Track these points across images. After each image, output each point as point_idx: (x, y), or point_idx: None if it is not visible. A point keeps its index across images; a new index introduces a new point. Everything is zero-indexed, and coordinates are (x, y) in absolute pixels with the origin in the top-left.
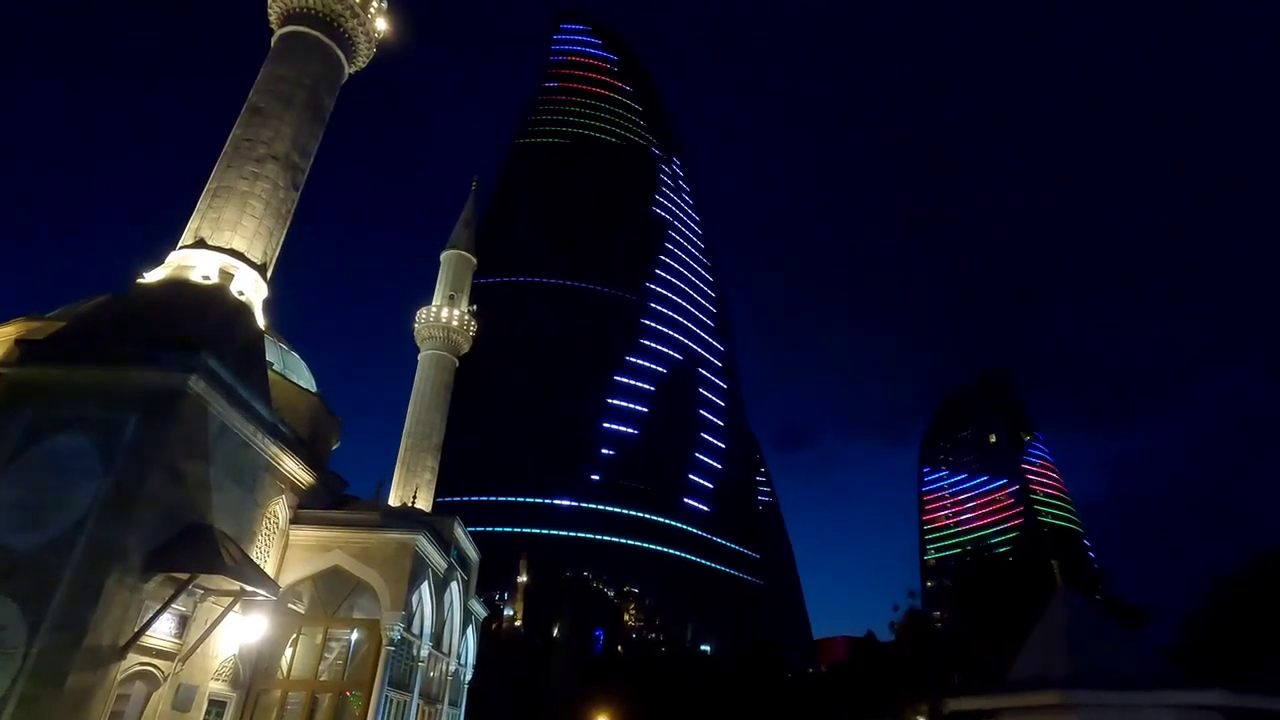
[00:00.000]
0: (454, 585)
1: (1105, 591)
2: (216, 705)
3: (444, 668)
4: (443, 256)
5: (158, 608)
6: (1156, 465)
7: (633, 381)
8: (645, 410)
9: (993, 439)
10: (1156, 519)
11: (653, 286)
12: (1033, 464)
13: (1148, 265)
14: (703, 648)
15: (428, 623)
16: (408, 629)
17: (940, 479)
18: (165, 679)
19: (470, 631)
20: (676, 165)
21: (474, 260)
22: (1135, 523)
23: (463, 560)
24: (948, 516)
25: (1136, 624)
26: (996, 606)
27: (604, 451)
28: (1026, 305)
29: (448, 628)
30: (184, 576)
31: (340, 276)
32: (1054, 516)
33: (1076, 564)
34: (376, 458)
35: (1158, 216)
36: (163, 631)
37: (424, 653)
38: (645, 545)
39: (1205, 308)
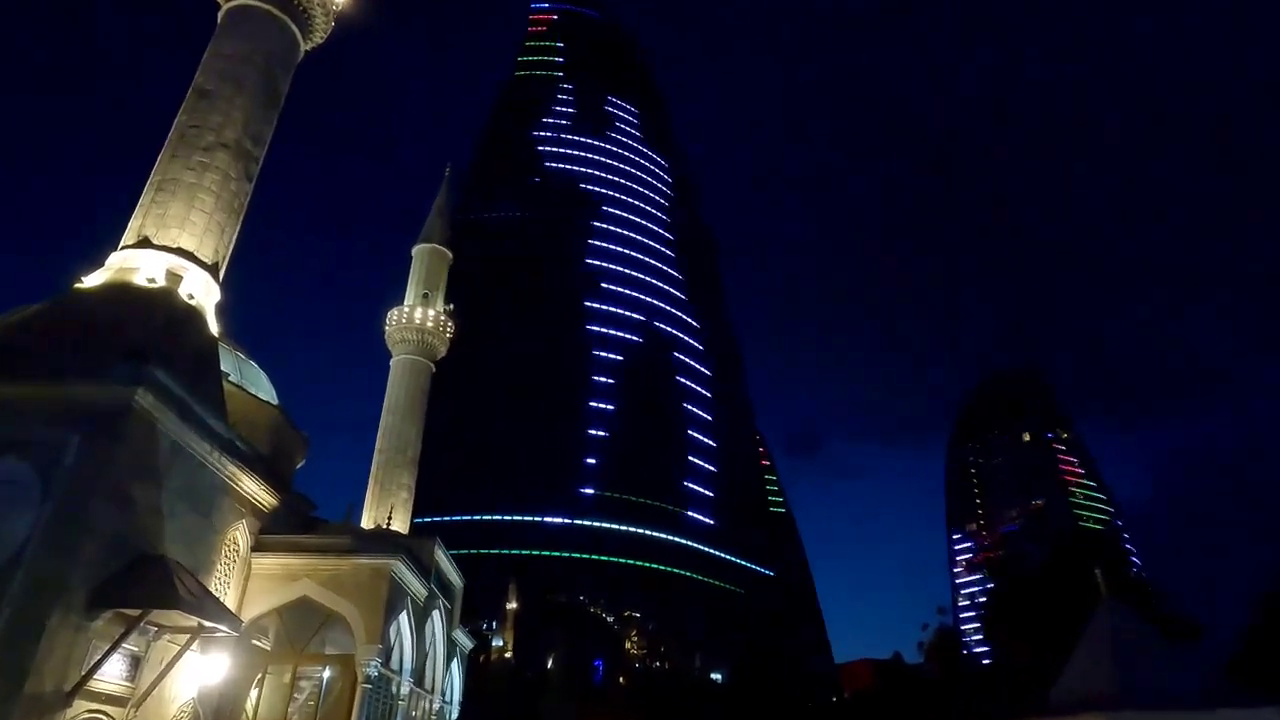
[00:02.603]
0: (436, 614)
1: (1153, 602)
2: None
3: (427, 706)
4: (415, 251)
5: (106, 648)
6: (1206, 463)
7: (600, 378)
8: (613, 408)
9: (1026, 438)
10: (1208, 521)
11: (597, 263)
12: (1069, 463)
13: (1187, 248)
14: (713, 676)
15: (407, 657)
16: (385, 664)
17: (969, 483)
18: None
19: (455, 665)
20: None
21: (449, 254)
22: (1184, 526)
23: (445, 587)
24: (978, 524)
25: (1189, 637)
26: (1035, 620)
27: (589, 461)
28: (1057, 295)
29: (430, 661)
30: (135, 613)
31: (303, 276)
32: (1094, 520)
33: (1121, 572)
34: (347, 476)
35: (1195, 196)
36: (113, 674)
37: (404, 690)
38: (646, 564)
39: (1252, 292)
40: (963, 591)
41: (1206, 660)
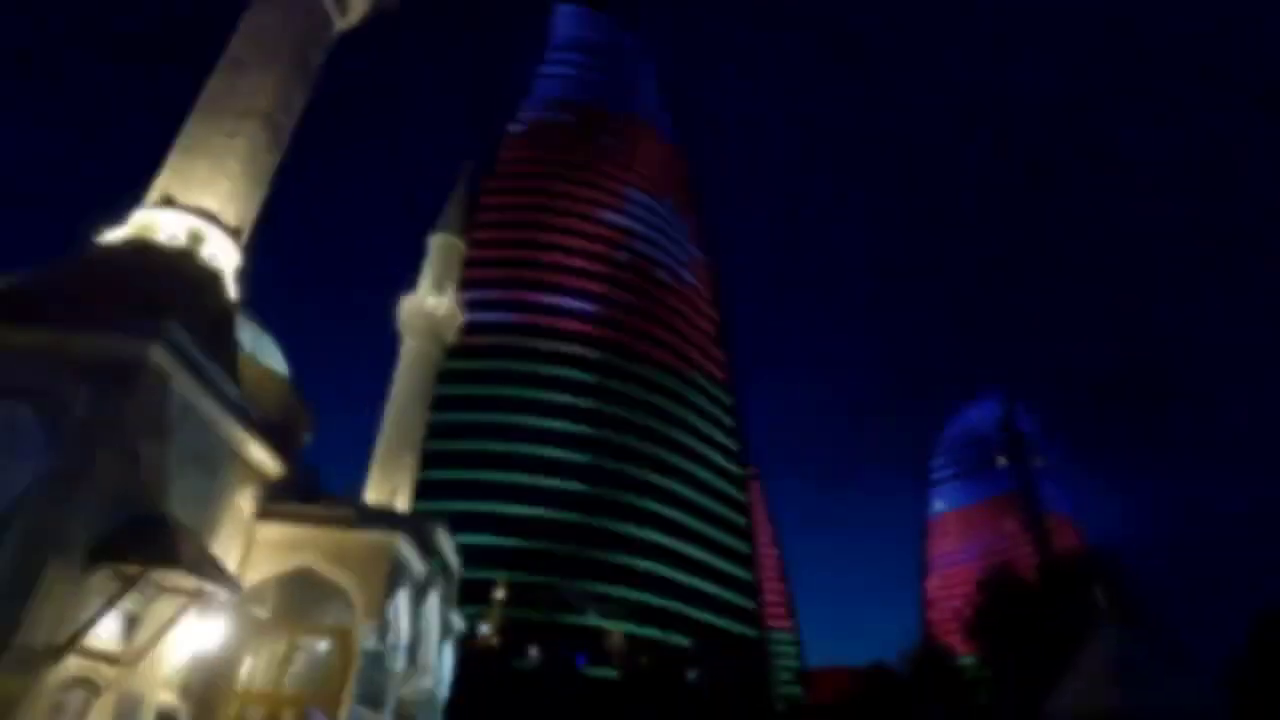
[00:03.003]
0: (434, 595)
1: (1143, 626)
2: (165, 717)
3: (419, 684)
4: (431, 240)
5: (102, 605)
6: (1180, 518)
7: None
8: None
9: (1001, 462)
10: (1190, 556)
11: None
12: (1045, 492)
13: (1166, 266)
14: (689, 674)
15: (404, 634)
16: (382, 639)
17: (944, 506)
18: (107, 686)
19: (449, 646)
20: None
21: (464, 245)
22: (1162, 559)
23: (443, 568)
24: (951, 545)
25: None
26: (1019, 637)
27: (566, 457)
28: (1036, 321)
29: (425, 641)
30: (134, 570)
31: (320, 254)
32: (1066, 548)
33: (1115, 593)
34: (352, 454)
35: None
36: (107, 632)
37: (399, 666)
38: (629, 561)
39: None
40: (940, 603)
41: (1204, 686)
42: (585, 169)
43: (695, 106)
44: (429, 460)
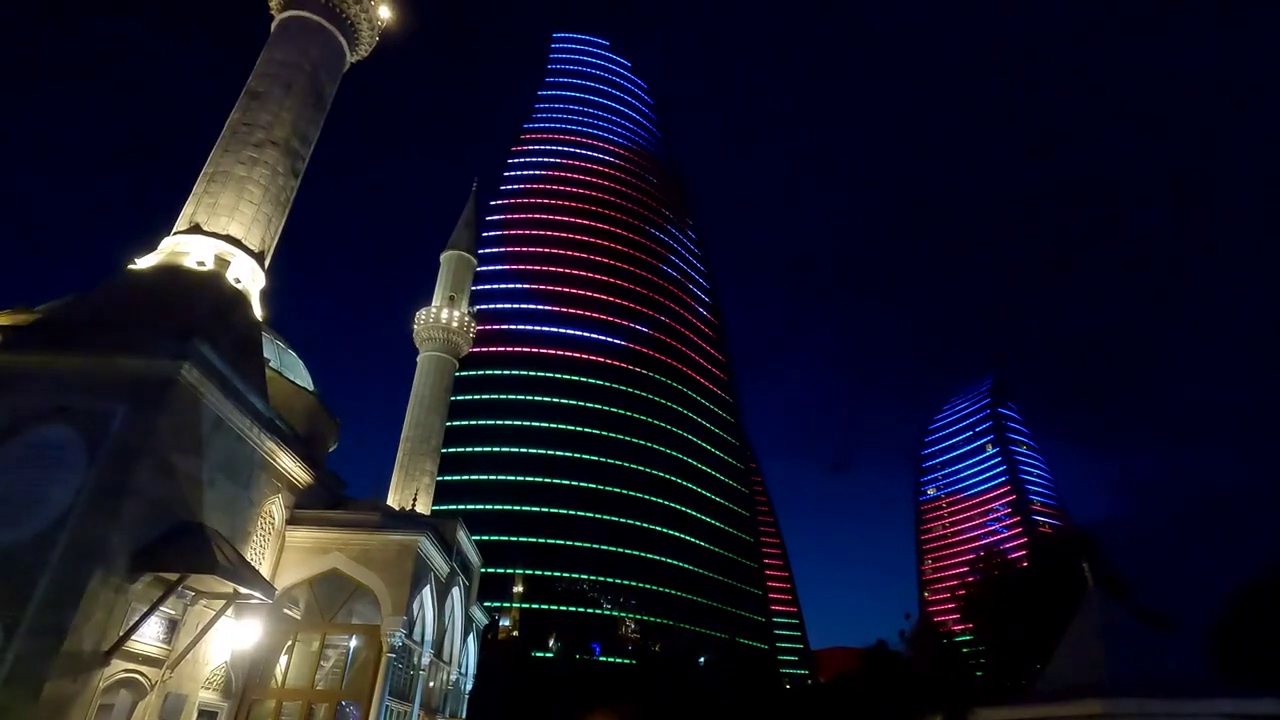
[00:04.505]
0: (456, 591)
1: (1127, 597)
2: (207, 715)
3: (445, 676)
4: (443, 257)
5: (144, 610)
6: (1161, 498)
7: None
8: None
9: (990, 449)
10: (1165, 532)
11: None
12: (1030, 474)
13: (1148, 266)
14: (699, 660)
15: (429, 629)
16: (409, 635)
17: (936, 491)
18: (152, 687)
19: (472, 639)
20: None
21: (474, 261)
22: (1141, 536)
23: (465, 565)
24: (944, 528)
25: (1162, 629)
26: (1011, 614)
27: (589, 458)
28: (1026, 312)
29: (449, 635)
30: (173, 577)
31: (339, 273)
32: (1052, 528)
33: (1101, 568)
34: (374, 461)
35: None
36: (150, 636)
37: (425, 660)
38: (640, 554)
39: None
40: (935, 584)
41: (1188, 652)
42: (628, 199)
43: (688, 119)
44: (453, 463)
